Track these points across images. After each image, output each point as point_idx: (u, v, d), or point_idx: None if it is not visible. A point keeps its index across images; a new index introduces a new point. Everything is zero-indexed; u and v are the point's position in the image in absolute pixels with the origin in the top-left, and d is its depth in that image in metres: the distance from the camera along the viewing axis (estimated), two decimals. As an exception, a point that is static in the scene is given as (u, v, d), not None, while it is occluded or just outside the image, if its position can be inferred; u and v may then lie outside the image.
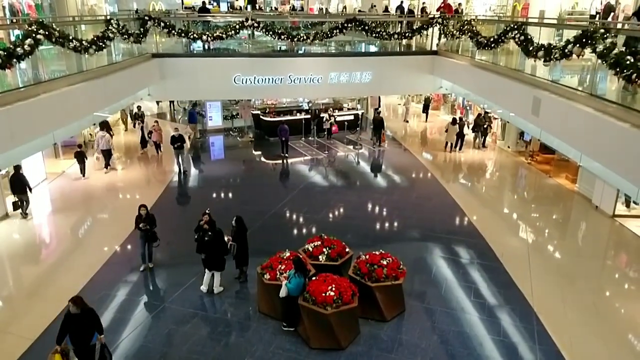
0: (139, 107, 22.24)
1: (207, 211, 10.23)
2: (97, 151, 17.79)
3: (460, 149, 20.07)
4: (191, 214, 12.06)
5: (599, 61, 8.17)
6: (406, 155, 20.12)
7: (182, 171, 17.24)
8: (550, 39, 10.93)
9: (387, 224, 13.85)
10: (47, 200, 15.06)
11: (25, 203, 13.42)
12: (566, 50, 9.05)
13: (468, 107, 23.46)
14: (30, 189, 13.52)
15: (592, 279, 11.10)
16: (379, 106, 25.65)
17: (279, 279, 8.92)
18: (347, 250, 10.11)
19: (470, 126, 21.33)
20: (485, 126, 20.08)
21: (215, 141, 22.72)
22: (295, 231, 13.35)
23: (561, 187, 16.17)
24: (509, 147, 19.98)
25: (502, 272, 10.92)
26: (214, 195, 15.92)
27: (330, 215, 14.24)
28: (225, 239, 10.08)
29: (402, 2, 26.55)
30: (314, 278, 8.77)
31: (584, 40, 8.60)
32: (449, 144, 20.13)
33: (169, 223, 12.61)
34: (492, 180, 18.15)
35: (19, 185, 13.24)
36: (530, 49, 10.44)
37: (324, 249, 9.83)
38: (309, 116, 22.59)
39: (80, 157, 16.35)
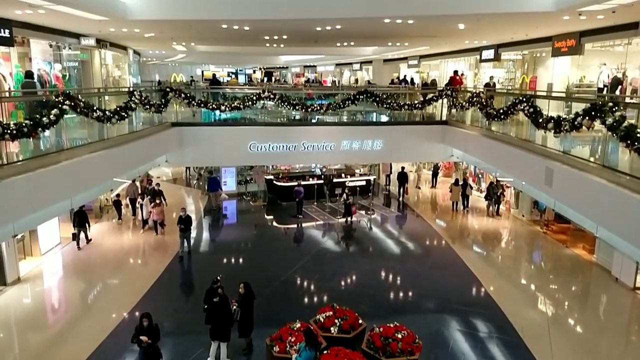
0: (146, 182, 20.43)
1: (218, 278, 10.13)
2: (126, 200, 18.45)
3: (465, 208, 20.92)
4: (200, 280, 11.94)
5: (609, 133, 8.26)
6: (419, 222, 20.01)
7: (186, 251, 15.67)
8: (560, 111, 11.13)
9: (401, 294, 13.52)
10: (59, 266, 15.06)
11: (84, 235, 16.13)
12: (576, 123, 9.18)
13: (480, 175, 23.53)
14: (89, 224, 16.39)
15: (616, 356, 10.55)
16: (390, 172, 25.96)
17: (288, 352, 8.63)
18: (360, 321, 9.81)
19: (483, 194, 21.33)
20: (498, 194, 20.05)
21: (228, 206, 22.90)
22: (306, 300, 13.07)
23: (579, 257, 15.79)
24: (523, 215, 19.79)
25: (523, 348, 10.43)
26: (225, 260, 15.83)
27: (343, 283, 13.98)
28: (231, 303, 9.88)
29: (405, 75, 27.68)
30: (325, 352, 8.47)
31: (593, 113, 8.74)
32: (455, 204, 21.04)
33: (176, 290, 12.49)
34: (508, 249, 17.83)
35: (80, 219, 15.82)
36: (540, 120, 10.61)
37: (336, 320, 9.56)
38: (321, 181, 22.88)
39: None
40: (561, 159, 9.96)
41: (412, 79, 27.23)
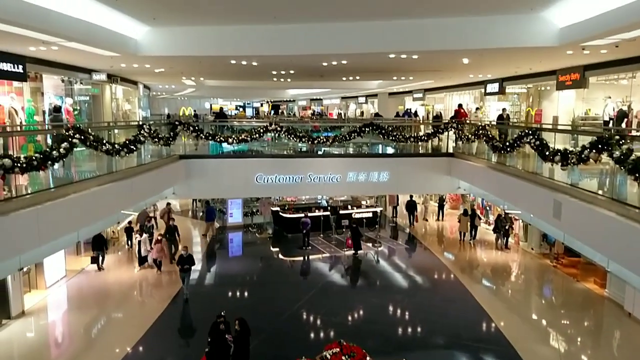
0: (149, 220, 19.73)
1: (222, 313, 10.00)
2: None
3: (473, 238, 20.91)
4: (204, 315, 11.77)
5: (617, 166, 8.22)
6: (427, 255, 19.79)
7: (185, 298, 14.74)
8: (566, 143, 11.14)
9: (410, 329, 13.25)
10: (63, 299, 14.97)
11: (102, 258, 16.90)
12: (583, 156, 9.15)
13: (488, 208, 23.39)
14: (107, 247, 17.31)
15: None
16: (397, 204, 25.88)
17: (294, 390, 8.41)
18: (367, 358, 9.57)
19: (491, 227, 21.16)
20: (506, 227, 19.85)
21: (234, 237, 22.83)
22: (312, 335, 12.82)
23: (590, 292, 15.46)
24: (532, 249, 19.53)
25: (535, 386, 10.12)
26: (230, 294, 15.65)
27: (350, 318, 13.74)
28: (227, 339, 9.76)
29: (409, 108, 28.02)
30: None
31: (600, 146, 8.73)
32: (463, 234, 21.03)
33: (181, 326, 12.31)
34: (518, 283, 17.53)
35: (98, 243, 16.69)
36: (547, 153, 10.60)
37: (343, 357, 9.32)
38: (327, 213, 22.81)
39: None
40: (569, 191, 9.88)
41: (415, 112, 27.51)
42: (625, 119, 13.69)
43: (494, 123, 16.94)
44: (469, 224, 20.82)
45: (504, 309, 14.60)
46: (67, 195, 8.82)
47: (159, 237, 17.18)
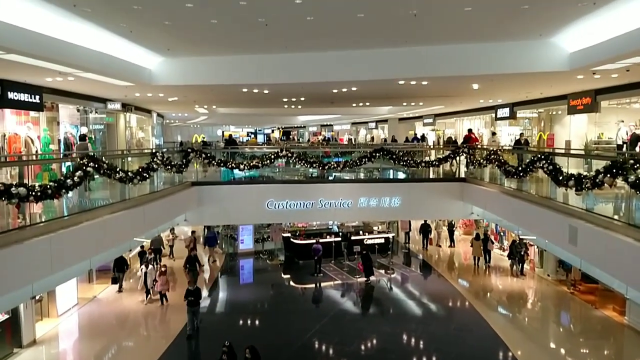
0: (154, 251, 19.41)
1: (226, 343, 9.86)
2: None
3: (487, 263, 20.71)
4: (215, 344, 11.62)
5: (633, 190, 8.09)
6: (441, 281, 19.47)
7: (196, 328, 14.07)
8: (579, 168, 11.01)
9: (424, 359, 12.92)
10: (75, 327, 14.90)
11: (121, 280, 17.42)
12: (597, 180, 9.03)
13: (502, 233, 23.07)
14: (128, 267, 17.91)
15: None
16: (410, 229, 25.66)
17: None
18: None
19: (506, 252, 20.83)
20: (522, 253, 19.52)
21: (245, 264, 22.72)
22: (324, 365, 12.59)
23: (609, 319, 15.02)
24: (548, 275, 19.13)
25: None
26: (241, 322, 15.46)
27: (363, 348, 13.47)
28: None
29: (415, 134, 28.12)
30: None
31: (614, 170, 8.62)
32: (477, 259, 20.84)
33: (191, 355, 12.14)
34: (534, 311, 17.12)
35: (120, 264, 17.13)
36: (560, 178, 10.48)
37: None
38: (339, 239, 22.64)
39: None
40: (585, 217, 9.72)
41: (422, 136, 27.58)
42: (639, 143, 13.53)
43: (507, 147, 16.85)
44: (481, 248, 20.61)
45: (520, 338, 14.22)
46: (80, 223, 8.88)
47: (164, 269, 16.78)
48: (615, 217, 9.28)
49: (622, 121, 14.89)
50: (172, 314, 15.85)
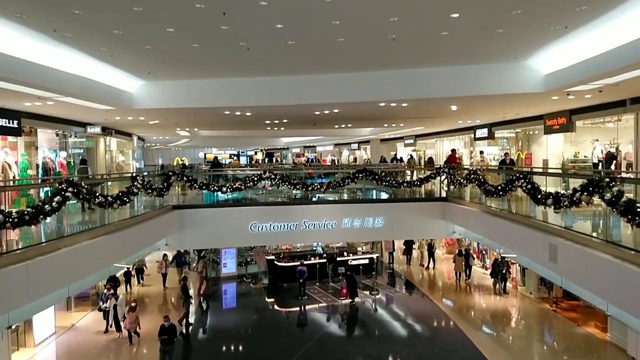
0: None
1: None
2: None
3: (468, 277, 21.41)
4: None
5: (609, 208, 8.26)
6: (425, 302, 19.45)
7: None
8: (557, 186, 11.23)
9: (409, 381, 12.82)
10: (52, 357, 14.41)
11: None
12: (574, 199, 9.21)
13: (484, 252, 23.24)
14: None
15: None
16: (393, 249, 25.67)
17: None
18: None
19: (488, 271, 20.97)
20: (504, 271, 19.65)
21: (228, 289, 22.38)
22: (310, 390, 12.38)
23: (592, 336, 15.14)
24: (531, 293, 19.27)
25: None
26: (224, 348, 15.17)
27: (348, 371, 13.31)
28: None
29: (395, 154, 28.54)
30: None
31: (590, 188, 8.80)
32: (458, 274, 21.48)
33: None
34: (518, 329, 17.17)
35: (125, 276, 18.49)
36: (539, 197, 10.66)
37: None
38: (323, 260, 22.50)
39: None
40: (564, 234, 9.87)
41: (400, 158, 27.97)
42: (614, 161, 13.89)
43: (492, 167, 17.12)
44: (463, 263, 21.23)
45: (505, 356, 14.22)
46: (58, 249, 8.69)
47: (134, 304, 15.43)
48: (594, 234, 9.45)
49: (597, 140, 15.29)
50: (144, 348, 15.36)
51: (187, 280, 18.00)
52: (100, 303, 16.32)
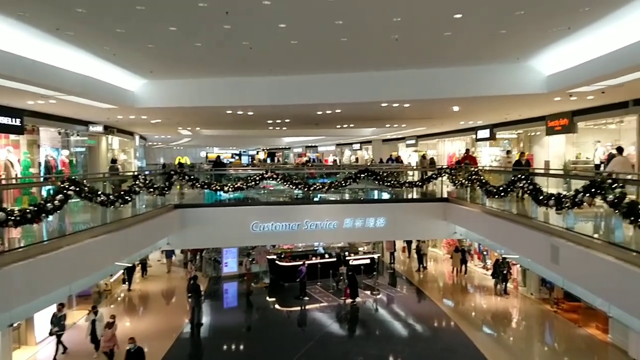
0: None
1: None
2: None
3: (465, 273, 22.88)
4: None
5: (611, 209, 8.24)
6: (426, 302, 19.45)
7: None
8: (559, 187, 11.21)
9: (410, 381, 12.82)
10: (53, 356, 14.42)
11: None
12: (576, 200, 9.19)
13: (485, 253, 23.24)
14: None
15: None
16: (394, 249, 25.66)
17: None
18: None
19: (489, 272, 20.96)
20: (505, 272, 19.63)
21: (229, 288, 22.39)
22: (310, 389, 12.38)
23: (593, 337, 15.12)
24: (532, 294, 19.25)
25: None
26: (225, 347, 15.19)
27: (349, 371, 13.31)
28: None
29: (391, 155, 28.55)
30: None
31: (592, 190, 8.79)
32: (455, 269, 22.99)
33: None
34: (519, 330, 17.16)
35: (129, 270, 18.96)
36: (541, 198, 10.65)
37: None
38: (325, 260, 22.49)
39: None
40: (566, 235, 9.84)
41: (397, 158, 28.00)
42: (616, 162, 13.83)
43: (489, 168, 17.09)
44: (460, 259, 22.64)
45: (505, 357, 14.22)
46: (60, 247, 8.69)
47: (112, 320, 13.98)
48: (596, 235, 9.43)
49: (599, 141, 15.27)
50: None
51: (197, 279, 17.99)
52: (51, 327, 14.16)
